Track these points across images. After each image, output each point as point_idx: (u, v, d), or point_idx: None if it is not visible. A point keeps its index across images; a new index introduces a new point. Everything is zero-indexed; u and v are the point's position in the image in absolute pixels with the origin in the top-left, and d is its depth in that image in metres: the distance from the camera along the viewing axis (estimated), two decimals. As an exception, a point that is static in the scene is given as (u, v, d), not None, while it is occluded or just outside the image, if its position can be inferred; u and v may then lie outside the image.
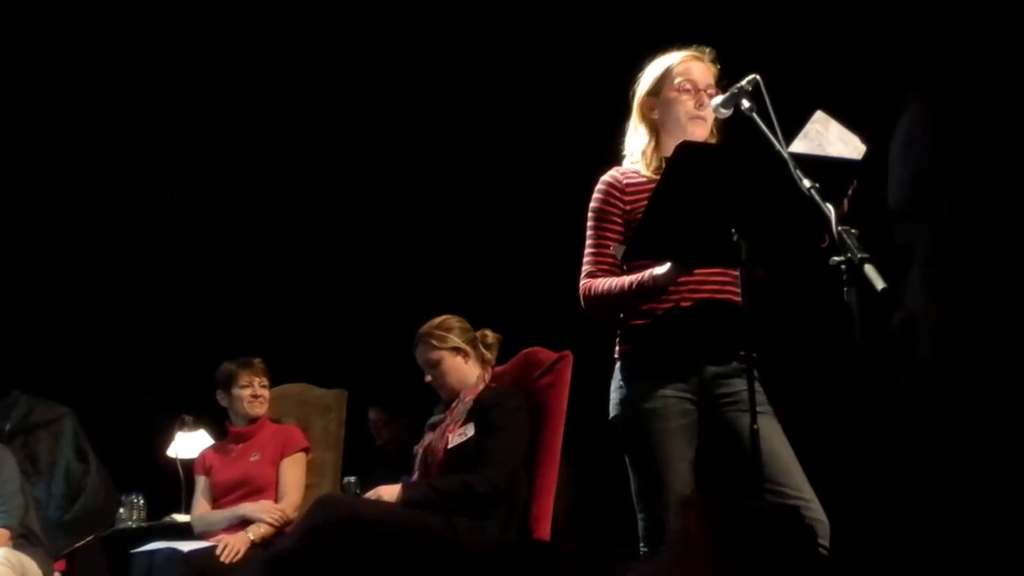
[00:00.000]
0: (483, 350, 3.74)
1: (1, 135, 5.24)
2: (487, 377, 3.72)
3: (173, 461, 4.79)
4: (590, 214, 2.78)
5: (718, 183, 2.37)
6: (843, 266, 2.13)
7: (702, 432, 2.66)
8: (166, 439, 5.00)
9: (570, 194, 3.02)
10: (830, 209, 2.19)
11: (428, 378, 3.73)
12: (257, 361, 4.24)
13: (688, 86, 2.73)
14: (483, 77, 5.14)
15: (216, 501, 4.14)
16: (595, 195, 2.78)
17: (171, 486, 4.75)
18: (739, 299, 2.50)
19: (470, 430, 3.53)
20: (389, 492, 3.48)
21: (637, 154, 2.80)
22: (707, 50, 2.79)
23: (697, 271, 2.63)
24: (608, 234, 2.72)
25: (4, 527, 3.97)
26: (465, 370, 3.70)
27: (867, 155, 2.45)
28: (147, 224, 5.82)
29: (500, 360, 3.81)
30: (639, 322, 2.69)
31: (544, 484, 3.55)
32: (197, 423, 4.90)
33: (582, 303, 2.74)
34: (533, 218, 5.08)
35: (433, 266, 5.58)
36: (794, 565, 1.78)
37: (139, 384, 5.67)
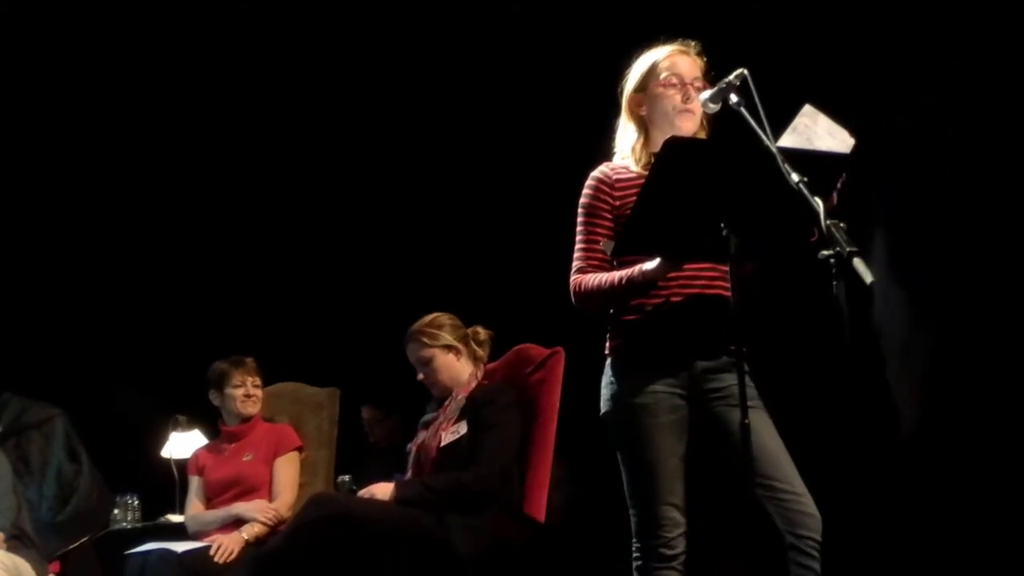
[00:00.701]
0: (475, 347, 3.74)
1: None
2: (479, 374, 3.71)
3: (167, 461, 4.79)
4: (580, 210, 2.78)
5: (706, 178, 2.37)
6: (832, 260, 2.13)
7: (692, 427, 2.66)
8: (160, 439, 5.00)
9: (561, 190, 3.02)
10: (819, 203, 2.19)
11: (420, 376, 3.72)
12: (249, 360, 4.23)
13: (675, 80, 2.72)
14: (476, 75, 5.14)
15: (210, 501, 4.13)
16: (585, 191, 2.78)
17: (165, 486, 4.74)
18: (729, 294, 2.50)
19: (463, 428, 3.53)
20: (382, 490, 3.48)
21: (627, 150, 2.80)
22: (692, 43, 2.78)
23: (687, 266, 2.62)
24: (598, 230, 2.72)
25: (-3, 528, 3.96)
26: (457, 367, 3.69)
27: (855, 149, 2.45)
28: (140, 224, 5.82)
29: (492, 356, 3.80)
30: (629, 317, 2.69)
31: (537, 480, 3.55)
32: (191, 423, 4.90)
33: (572, 299, 2.74)
34: (524, 215, 5.08)
35: (424, 263, 5.59)
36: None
37: (133, 384, 5.67)
